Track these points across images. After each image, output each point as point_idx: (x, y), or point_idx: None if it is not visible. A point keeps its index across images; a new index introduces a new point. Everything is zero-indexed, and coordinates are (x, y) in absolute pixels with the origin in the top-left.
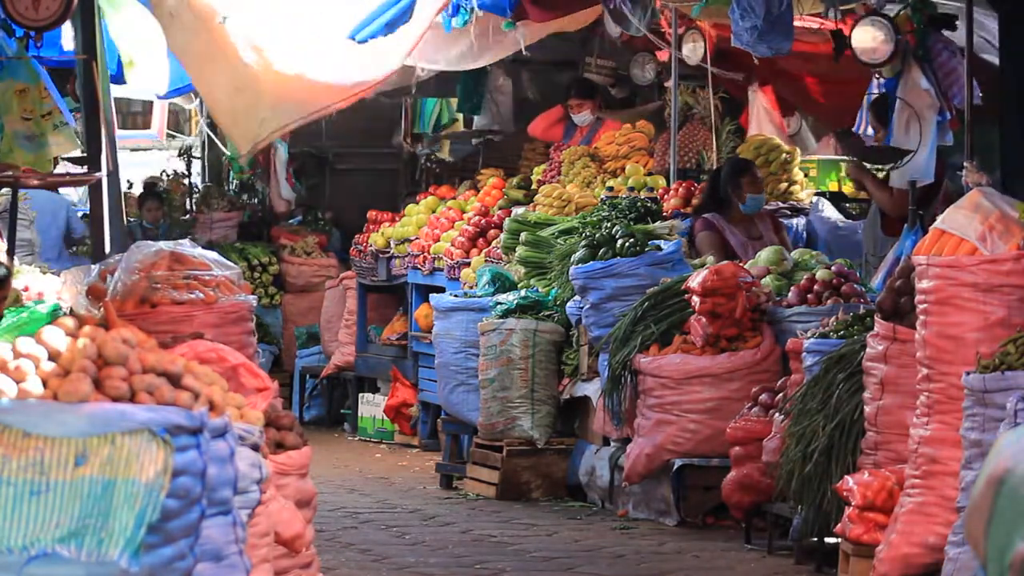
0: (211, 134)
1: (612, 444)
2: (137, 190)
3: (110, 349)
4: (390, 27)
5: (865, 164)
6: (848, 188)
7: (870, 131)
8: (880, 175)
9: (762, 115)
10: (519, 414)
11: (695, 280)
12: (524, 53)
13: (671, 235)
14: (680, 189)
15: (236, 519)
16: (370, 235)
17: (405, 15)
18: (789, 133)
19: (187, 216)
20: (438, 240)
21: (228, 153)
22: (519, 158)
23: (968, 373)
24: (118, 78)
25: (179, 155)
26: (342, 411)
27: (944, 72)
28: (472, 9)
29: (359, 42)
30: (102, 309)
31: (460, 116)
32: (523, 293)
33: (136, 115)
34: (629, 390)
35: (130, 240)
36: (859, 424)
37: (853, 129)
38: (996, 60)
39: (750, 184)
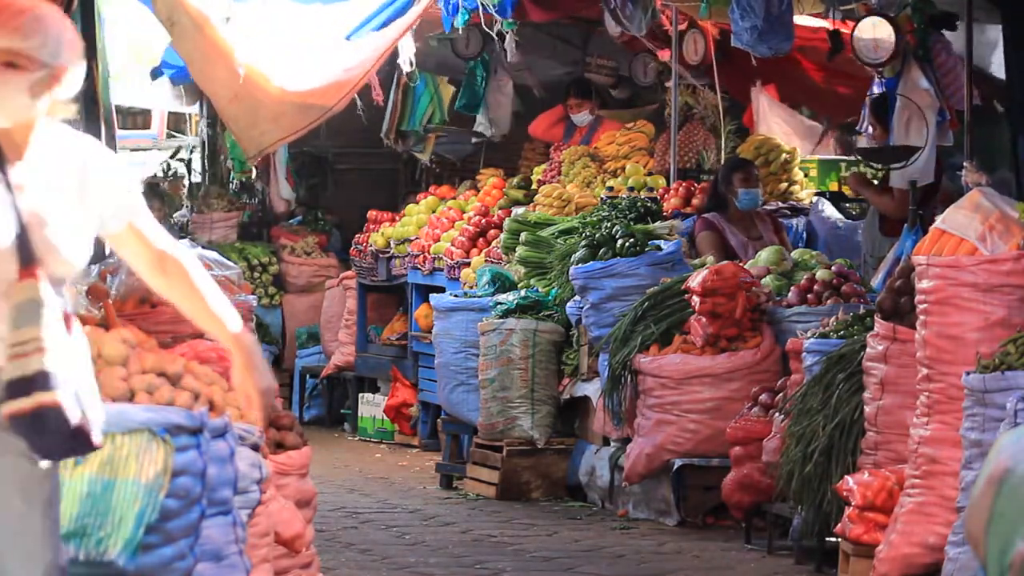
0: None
1: (612, 444)
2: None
3: (110, 349)
4: (386, 27)
5: (865, 177)
6: (848, 189)
7: (869, 129)
8: (878, 176)
9: (768, 112)
10: (519, 414)
11: (695, 280)
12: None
13: (671, 235)
14: (680, 189)
15: (236, 519)
16: (370, 235)
17: (401, 15)
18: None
19: (186, 216)
20: (438, 240)
21: (230, 155)
22: (519, 158)
23: (968, 373)
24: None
25: (172, 157)
26: (342, 411)
27: (944, 72)
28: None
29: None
30: (102, 309)
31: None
32: (523, 293)
33: (136, 115)
34: (629, 390)
35: None
36: (859, 424)
37: (857, 128)
38: (991, 68)
39: (742, 180)
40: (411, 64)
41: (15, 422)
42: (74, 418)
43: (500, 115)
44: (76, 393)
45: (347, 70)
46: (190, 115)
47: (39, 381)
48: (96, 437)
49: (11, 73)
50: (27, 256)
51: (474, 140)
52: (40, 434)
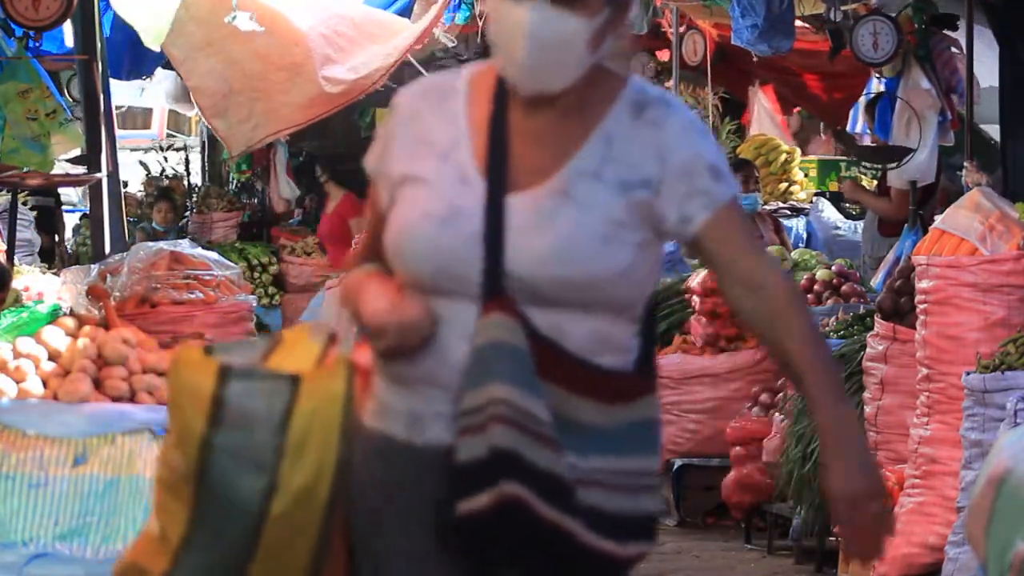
0: (210, 139)
1: None
2: (136, 189)
3: (110, 349)
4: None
5: (859, 184)
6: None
7: (866, 128)
8: (878, 177)
9: (763, 114)
10: None
11: (695, 280)
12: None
13: None
14: None
15: None
16: None
17: (405, 13)
18: (792, 131)
19: (186, 216)
20: None
21: (223, 155)
22: None
23: (968, 373)
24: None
25: (159, 149)
26: None
27: (946, 73)
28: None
29: None
30: (102, 309)
31: None
32: None
33: (136, 115)
34: None
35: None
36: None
37: (848, 128)
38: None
39: (740, 183)
40: (453, 41)
41: (469, 527)
42: (549, 516)
43: None
44: (560, 483)
45: (355, 69)
46: (190, 116)
47: (497, 465)
48: (621, 548)
49: (566, 18)
50: (494, 280)
51: None
52: (504, 544)
